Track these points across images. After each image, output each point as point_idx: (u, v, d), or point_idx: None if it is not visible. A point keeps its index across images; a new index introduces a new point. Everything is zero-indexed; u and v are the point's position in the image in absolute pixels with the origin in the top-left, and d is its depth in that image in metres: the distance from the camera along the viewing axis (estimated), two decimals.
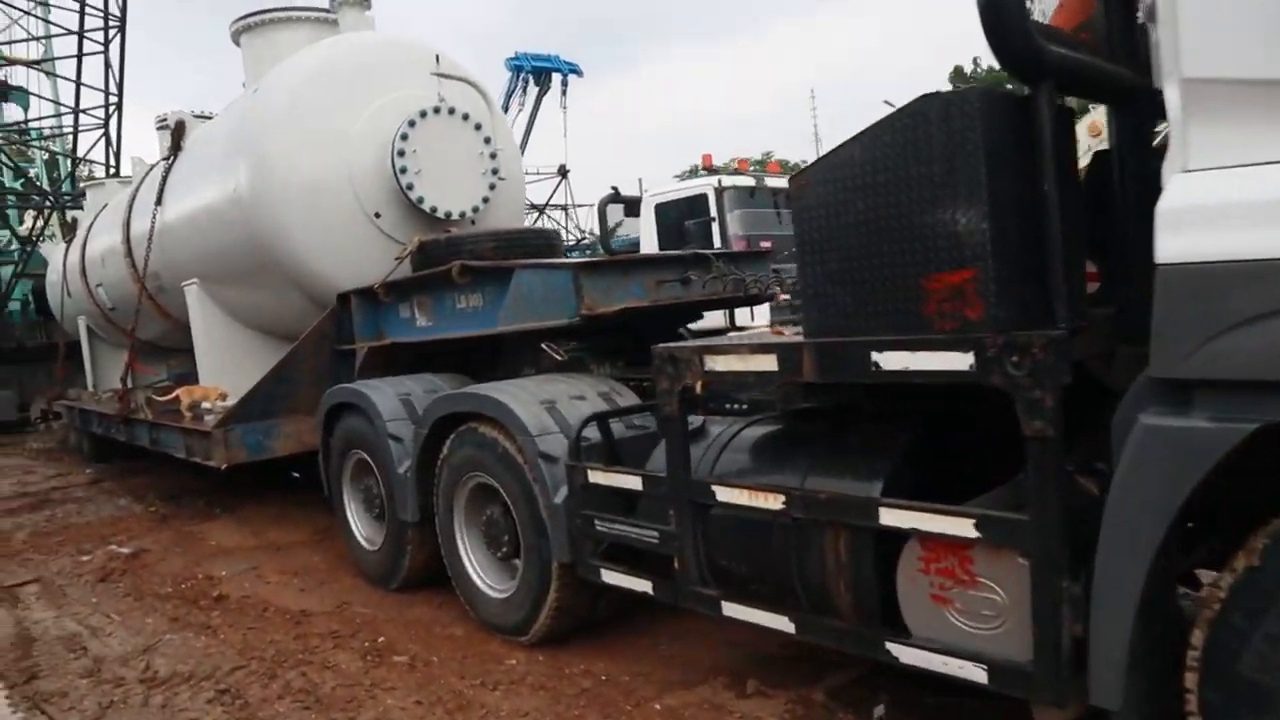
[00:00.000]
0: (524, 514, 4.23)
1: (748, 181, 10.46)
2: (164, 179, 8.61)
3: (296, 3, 8.12)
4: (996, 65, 2.64)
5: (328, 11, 7.88)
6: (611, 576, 3.87)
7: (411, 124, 6.56)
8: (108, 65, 16.49)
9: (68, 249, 13.06)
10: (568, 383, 4.55)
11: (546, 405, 4.25)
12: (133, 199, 9.97)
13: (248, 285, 7.61)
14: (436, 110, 6.70)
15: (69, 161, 17.84)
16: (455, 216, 6.81)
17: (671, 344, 3.52)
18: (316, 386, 6.87)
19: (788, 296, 5.00)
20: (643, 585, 3.75)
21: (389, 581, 5.51)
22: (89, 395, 12.49)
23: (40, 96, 17.22)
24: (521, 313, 4.97)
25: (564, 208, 26.80)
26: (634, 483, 3.66)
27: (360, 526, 5.82)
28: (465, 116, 6.86)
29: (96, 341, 13.13)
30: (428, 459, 4.89)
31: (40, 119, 17.73)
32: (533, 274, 4.90)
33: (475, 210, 6.91)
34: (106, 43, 16.29)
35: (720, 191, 10.03)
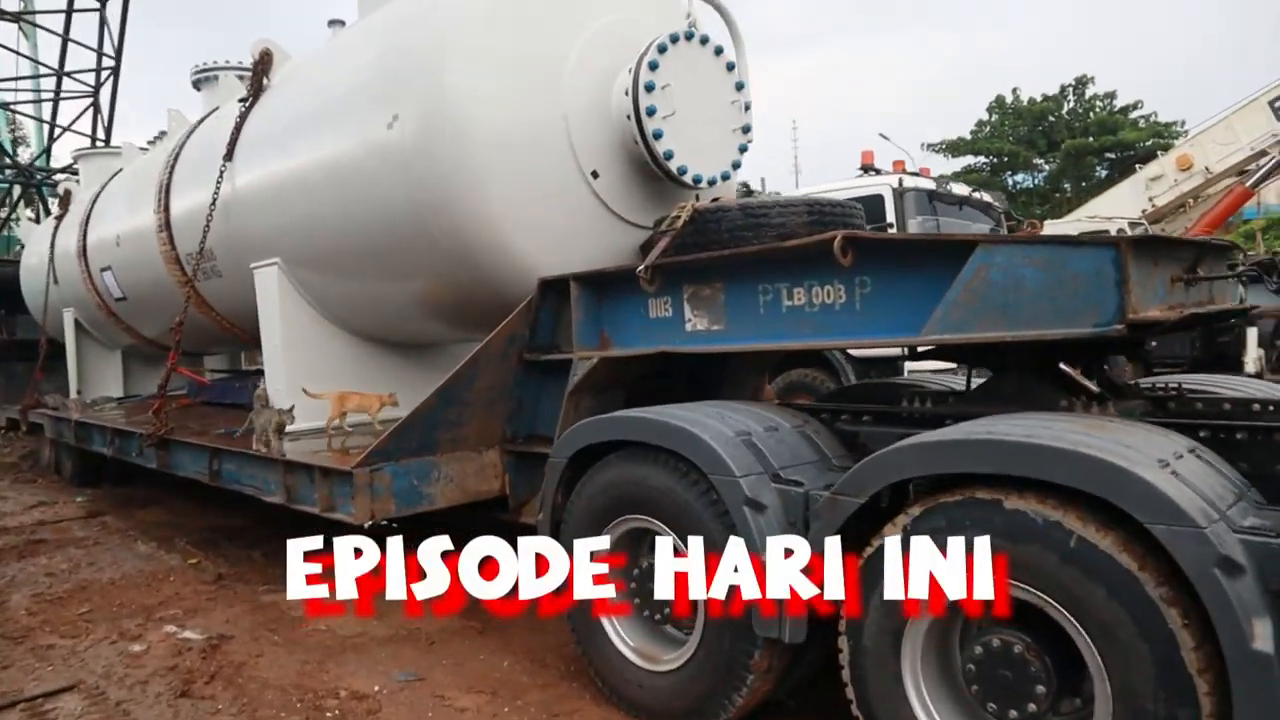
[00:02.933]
0: (1131, 662, 2.36)
1: (928, 184, 8.76)
2: (238, 128, 6.55)
3: None
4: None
5: None
6: None
7: (662, 50, 4.70)
8: (103, 23, 14.22)
9: (56, 228, 10.77)
10: (1140, 431, 2.72)
11: (1169, 470, 2.41)
12: (173, 160, 7.84)
13: (373, 268, 5.59)
14: (689, 37, 4.85)
15: (45, 132, 15.40)
16: (704, 183, 4.95)
17: None
18: (490, 412, 4.93)
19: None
20: None
21: None
22: (76, 404, 10.16)
23: (17, 53, 14.71)
24: (986, 314, 3.11)
25: None
26: None
27: (623, 632, 3.84)
28: (718, 51, 5.04)
29: (85, 339, 10.83)
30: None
31: (15, 79, 15.20)
32: (1021, 254, 3.04)
33: (725, 178, 5.07)
34: None
35: (901, 193, 8.31)
